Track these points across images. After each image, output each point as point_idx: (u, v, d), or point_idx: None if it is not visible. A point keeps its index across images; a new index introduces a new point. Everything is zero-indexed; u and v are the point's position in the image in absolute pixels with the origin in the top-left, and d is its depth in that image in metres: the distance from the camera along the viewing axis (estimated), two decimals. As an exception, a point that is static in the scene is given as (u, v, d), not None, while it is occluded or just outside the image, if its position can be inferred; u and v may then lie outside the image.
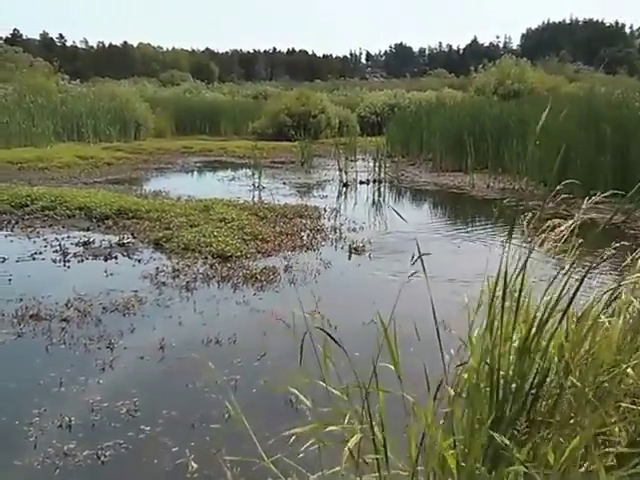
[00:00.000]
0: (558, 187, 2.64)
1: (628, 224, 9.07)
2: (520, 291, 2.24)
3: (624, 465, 2.06)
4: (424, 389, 2.25)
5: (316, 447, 2.23)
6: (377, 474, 2.19)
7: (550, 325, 2.16)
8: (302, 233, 8.53)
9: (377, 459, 2.18)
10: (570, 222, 2.49)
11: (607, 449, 2.16)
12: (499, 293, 2.22)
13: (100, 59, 78.76)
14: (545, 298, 2.24)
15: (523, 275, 2.25)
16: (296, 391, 2.42)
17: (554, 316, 2.16)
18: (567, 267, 2.23)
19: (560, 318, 2.17)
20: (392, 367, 2.25)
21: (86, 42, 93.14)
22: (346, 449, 2.05)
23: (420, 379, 2.30)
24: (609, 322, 2.32)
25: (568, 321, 2.27)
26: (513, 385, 2.16)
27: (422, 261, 2.20)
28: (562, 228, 2.51)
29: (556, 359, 2.23)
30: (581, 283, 2.16)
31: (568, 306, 2.17)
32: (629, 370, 2.20)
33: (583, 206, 2.48)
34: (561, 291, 2.16)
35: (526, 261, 2.26)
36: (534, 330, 2.15)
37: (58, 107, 21.22)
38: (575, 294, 2.15)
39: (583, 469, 2.09)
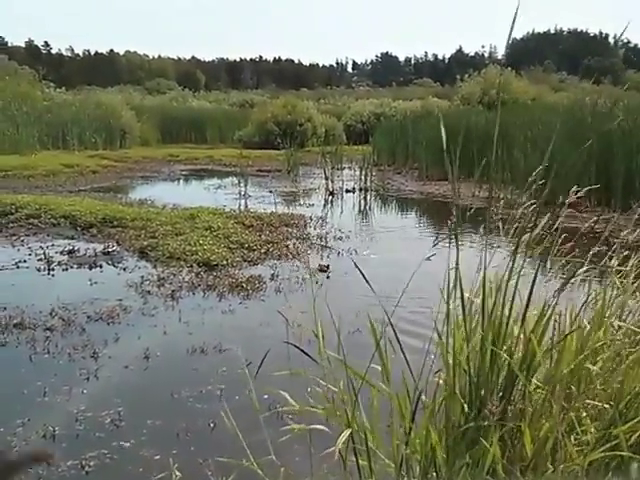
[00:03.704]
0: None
1: (613, 233, 9.15)
2: (496, 298, 2.28)
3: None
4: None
5: (302, 453, 2.24)
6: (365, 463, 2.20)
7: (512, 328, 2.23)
8: (288, 242, 8.52)
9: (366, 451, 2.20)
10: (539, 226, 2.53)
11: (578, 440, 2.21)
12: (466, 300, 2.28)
13: (86, 67, 78.56)
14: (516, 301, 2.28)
15: (506, 281, 2.29)
16: (286, 395, 2.43)
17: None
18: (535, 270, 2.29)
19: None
20: (374, 374, 2.27)
21: (72, 50, 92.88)
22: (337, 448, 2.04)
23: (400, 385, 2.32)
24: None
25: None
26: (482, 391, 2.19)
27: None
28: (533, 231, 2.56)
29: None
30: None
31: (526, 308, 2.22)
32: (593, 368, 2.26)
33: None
34: (530, 294, 2.21)
35: (511, 269, 2.29)
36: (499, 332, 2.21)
37: (43, 115, 21.13)
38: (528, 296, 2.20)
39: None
